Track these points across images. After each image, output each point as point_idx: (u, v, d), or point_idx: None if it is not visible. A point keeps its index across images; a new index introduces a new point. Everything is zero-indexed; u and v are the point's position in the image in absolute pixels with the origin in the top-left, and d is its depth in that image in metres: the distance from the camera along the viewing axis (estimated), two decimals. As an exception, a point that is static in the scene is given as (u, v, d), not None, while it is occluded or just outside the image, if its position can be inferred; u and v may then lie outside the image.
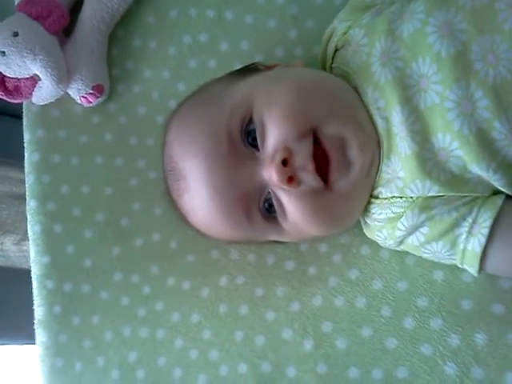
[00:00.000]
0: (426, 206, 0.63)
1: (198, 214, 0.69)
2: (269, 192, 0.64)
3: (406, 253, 0.69)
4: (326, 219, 0.65)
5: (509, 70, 0.57)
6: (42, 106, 0.87)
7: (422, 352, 0.67)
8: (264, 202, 0.65)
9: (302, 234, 0.69)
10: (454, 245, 0.63)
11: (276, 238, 0.71)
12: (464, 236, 0.62)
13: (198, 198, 0.66)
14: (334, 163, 0.61)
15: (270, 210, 0.65)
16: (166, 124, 0.74)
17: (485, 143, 0.59)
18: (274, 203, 0.64)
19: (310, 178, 0.61)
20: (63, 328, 0.81)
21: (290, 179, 0.61)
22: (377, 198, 0.67)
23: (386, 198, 0.66)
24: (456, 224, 0.62)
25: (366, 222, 0.70)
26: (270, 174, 0.62)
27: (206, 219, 0.68)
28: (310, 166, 0.61)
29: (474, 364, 0.64)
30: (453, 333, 0.66)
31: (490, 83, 0.58)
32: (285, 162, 0.60)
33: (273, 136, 0.62)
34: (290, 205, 0.63)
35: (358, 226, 0.72)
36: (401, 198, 0.64)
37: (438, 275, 0.69)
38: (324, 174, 0.62)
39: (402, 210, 0.64)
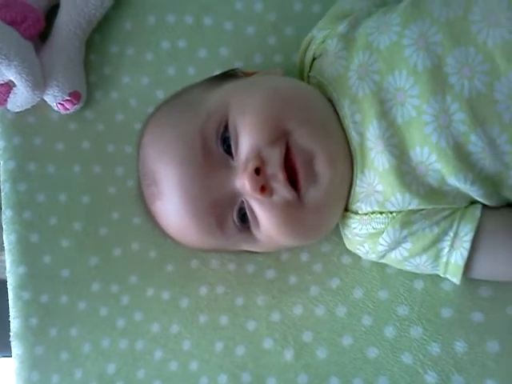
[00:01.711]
0: (406, 221, 0.63)
1: (170, 221, 0.68)
2: (242, 201, 0.63)
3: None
4: (298, 231, 0.64)
5: (483, 83, 0.57)
6: (18, 112, 0.86)
7: (402, 361, 0.66)
8: (238, 212, 0.64)
9: (275, 245, 0.69)
10: (437, 257, 0.63)
11: (249, 248, 0.70)
12: (446, 250, 0.63)
13: (170, 204, 0.65)
14: (301, 174, 0.61)
15: (243, 220, 0.64)
16: (142, 128, 0.73)
17: (462, 156, 0.59)
18: (247, 212, 0.63)
19: (282, 189, 0.61)
20: (40, 340, 0.79)
21: (263, 188, 0.60)
22: (356, 213, 0.67)
23: (366, 214, 0.65)
24: (438, 239, 0.63)
25: (346, 235, 0.70)
26: (243, 183, 0.61)
27: (178, 226, 0.67)
28: (281, 176, 0.60)
29: (454, 372, 0.64)
30: (433, 341, 0.66)
31: (465, 97, 0.58)
32: (258, 171, 0.60)
33: (245, 143, 0.61)
34: (263, 215, 0.63)
35: (339, 235, 0.72)
36: (381, 213, 0.64)
37: (418, 284, 0.69)
38: (296, 184, 0.61)
39: (383, 226, 0.64)
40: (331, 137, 0.63)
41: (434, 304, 0.67)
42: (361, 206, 0.65)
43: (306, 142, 0.61)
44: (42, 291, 0.81)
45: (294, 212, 0.62)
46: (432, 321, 0.67)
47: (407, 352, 0.66)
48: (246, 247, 0.70)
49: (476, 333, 0.65)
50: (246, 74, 0.73)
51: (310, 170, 0.61)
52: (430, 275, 0.68)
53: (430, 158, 0.60)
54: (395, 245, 0.64)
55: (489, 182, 0.60)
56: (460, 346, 0.65)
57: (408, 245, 0.64)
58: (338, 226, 0.71)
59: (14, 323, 0.80)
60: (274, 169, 0.60)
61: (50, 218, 0.84)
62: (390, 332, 0.68)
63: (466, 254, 0.62)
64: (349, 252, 0.72)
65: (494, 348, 0.63)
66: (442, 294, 0.68)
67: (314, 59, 0.71)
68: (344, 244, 0.72)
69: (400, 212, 0.63)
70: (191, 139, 0.63)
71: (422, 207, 0.62)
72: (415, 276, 0.69)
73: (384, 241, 0.64)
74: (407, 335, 0.67)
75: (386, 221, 0.64)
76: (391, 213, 0.64)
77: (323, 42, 0.70)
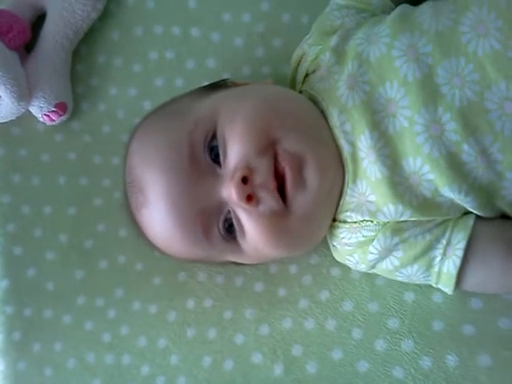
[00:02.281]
0: (398, 228, 0.62)
1: (155, 230, 0.67)
2: (229, 211, 0.63)
3: (377, 273, 0.69)
4: (285, 241, 0.64)
5: (474, 91, 0.57)
6: (2, 123, 0.84)
7: (393, 375, 0.66)
8: (224, 222, 0.63)
9: (261, 256, 0.68)
10: (429, 267, 0.63)
11: (235, 259, 0.69)
12: (439, 258, 0.62)
13: (156, 212, 0.64)
14: (289, 180, 0.60)
15: (230, 230, 0.64)
16: (129, 136, 0.72)
17: (455, 166, 0.59)
18: (234, 222, 0.63)
19: (269, 198, 0.60)
20: (23, 355, 0.78)
21: (250, 198, 0.59)
22: (345, 222, 0.66)
23: (355, 222, 0.65)
24: (430, 247, 0.62)
25: (334, 246, 0.69)
26: (230, 192, 0.60)
27: (164, 235, 0.66)
28: (271, 184, 0.60)
29: (445, 387, 0.64)
30: (424, 355, 0.65)
31: (456, 106, 0.58)
32: (245, 180, 0.59)
33: (233, 152, 0.61)
34: (249, 225, 0.62)
35: (328, 247, 0.71)
36: (372, 221, 0.64)
37: (409, 296, 0.68)
38: (284, 192, 0.61)
39: (373, 234, 0.63)
40: (322, 144, 0.63)
41: (425, 317, 0.67)
42: (351, 216, 0.65)
43: (296, 147, 0.60)
44: (25, 305, 0.80)
45: (281, 221, 0.61)
46: (423, 334, 0.66)
47: (398, 366, 0.66)
48: (232, 258, 0.69)
49: (467, 346, 0.64)
50: (236, 85, 0.73)
51: (298, 176, 0.60)
52: (420, 287, 0.68)
53: (423, 168, 0.60)
54: (386, 253, 0.63)
55: (483, 192, 0.60)
56: (451, 360, 0.64)
57: (399, 253, 0.63)
58: (326, 237, 0.70)
59: (-4, 338, 0.79)
60: (264, 177, 0.60)
61: (34, 231, 0.83)
62: (380, 345, 0.67)
63: (458, 262, 0.61)
64: (338, 263, 0.71)
65: (486, 362, 0.63)
66: (433, 306, 0.67)
67: (306, 75, 0.71)
68: (333, 255, 0.71)
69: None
70: (179, 147, 0.63)
71: (414, 219, 0.62)
72: (405, 288, 0.68)
73: (374, 249, 0.64)
74: (398, 349, 0.66)
75: (377, 228, 0.63)
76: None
77: (316, 58, 0.69)
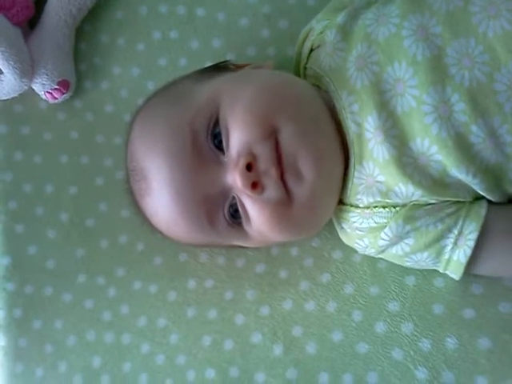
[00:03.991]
0: (410, 216, 0.62)
1: (159, 217, 0.67)
2: (233, 197, 0.63)
3: (379, 257, 0.69)
4: (289, 228, 0.64)
5: (484, 72, 0.57)
6: (5, 101, 0.84)
7: (393, 357, 0.66)
8: (229, 208, 0.63)
9: (266, 240, 0.68)
10: (439, 254, 0.63)
11: (240, 244, 0.69)
12: (450, 247, 0.62)
13: (160, 199, 0.64)
14: (286, 172, 0.60)
15: (235, 216, 0.64)
16: (131, 121, 0.72)
17: (463, 147, 0.59)
18: (239, 208, 0.63)
19: (273, 186, 0.60)
20: (24, 332, 0.78)
21: (254, 185, 0.59)
22: (357, 206, 0.66)
23: (368, 207, 0.65)
24: (442, 236, 0.62)
25: (343, 228, 0.69)
26: (234, 179, 0.60)
27: (168, 222, 0.66)
28: (273, 171, 0.60)
29: (444, 368, 0.64)
30: (424, 337, 0.65)
31: (465, 87, 0.58)
32: (249, 167, 0.59)
33: (236, 139, 0.60)
34: (254, 211, 0.62)
35: (330, 230, 0.72)
36: (384, 208, 0.63)
37: (410, 280, 0.68)
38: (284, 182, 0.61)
39: (385, 221, 0.63)
40: (321, 132, 0.63)
41: (426, 300, 0.67)
42: (362, 199, 0.65)
43: (292, 141, 0.60)
44: (26, 282, 0.80)
45: (285, 209, 0.61)
46: (423, 317, 0.66)
47: (398, 348, 0.66)
48: (237, 242, 0.69)
49: (467, 329, 0.65)
50: (238, 67, 0.73)
51: (294, 169, 0.60)
52: (421, 272, 0.68)
53: (431, 149, 0.59)
54: (397, 240, 0.63)
55: (490, 174, 0.59)
56: (451, 343, 0.64)
57: (410, 240, 0.63)
58: (329, 220, 0.70)
59: (-2, 314, 0.79)
60: (267, 164, 0.60)
61: (36, 209, 0.83)
62: (380, 328, 0.68)
63: (469, 252, 0.61)
64: (340, 247, 0.72)
65: (485, 344, 0.63)
66: (434, 290, 0.67)
67: (311, 50, 0.70)
68: (335, 239, 0.71)
69: (403, 206, 0.62)
70: (180, 134, 0.62)
71: (425, 198, 0.61)
72: (407, 272, 0.69)
73: (386, 235, 0.63)
74: (398, 331, 0.67)
75: (389, 215, 0.63)
76: (394, 207, 0.63)
77: (322, 32, 0.69)
